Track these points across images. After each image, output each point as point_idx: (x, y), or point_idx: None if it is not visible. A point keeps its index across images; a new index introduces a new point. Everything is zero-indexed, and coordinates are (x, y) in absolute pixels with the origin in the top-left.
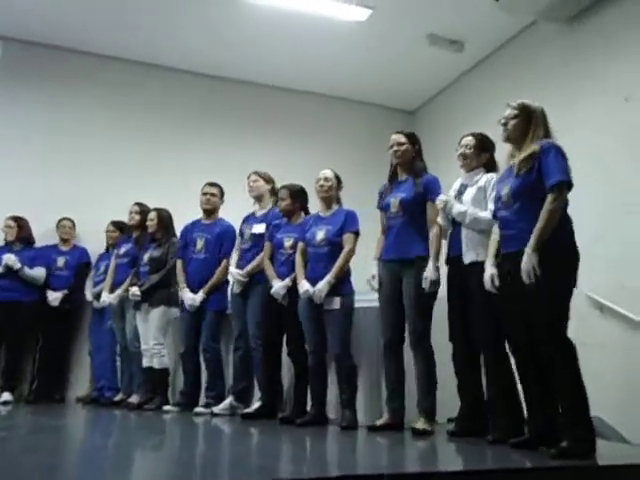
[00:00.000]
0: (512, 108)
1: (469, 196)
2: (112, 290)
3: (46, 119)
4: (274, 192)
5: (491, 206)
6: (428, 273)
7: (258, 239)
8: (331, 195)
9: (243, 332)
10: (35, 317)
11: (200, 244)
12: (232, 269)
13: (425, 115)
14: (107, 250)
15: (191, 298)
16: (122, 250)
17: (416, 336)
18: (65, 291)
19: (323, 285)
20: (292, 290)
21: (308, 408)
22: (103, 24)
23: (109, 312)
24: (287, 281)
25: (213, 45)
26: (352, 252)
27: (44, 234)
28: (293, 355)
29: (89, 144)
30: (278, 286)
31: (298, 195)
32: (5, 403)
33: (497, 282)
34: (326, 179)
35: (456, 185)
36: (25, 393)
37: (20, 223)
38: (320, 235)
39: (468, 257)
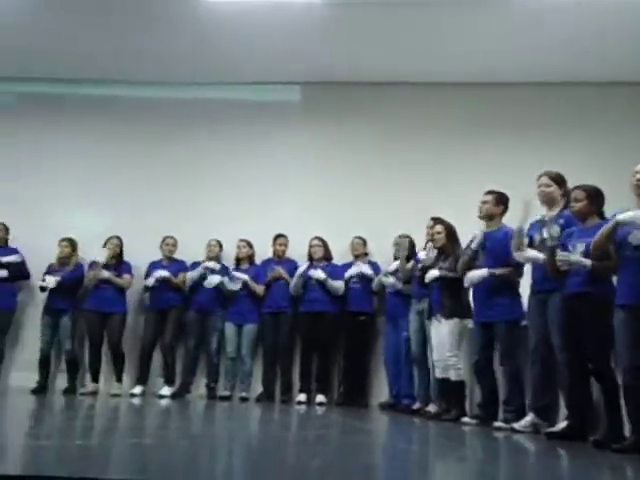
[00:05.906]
0: None
1: None
2: None
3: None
4: (565, 194)
5: None
6: None
7: None
8: None
9: (540, 343)
10: (337, 327)
11: (482, 253)
12: None
13: None
14: None
15: None
16: None
17: None
18: None
19: None
20: (596, 299)
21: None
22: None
23: (404, 322)
24: None
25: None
26: None
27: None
28: (595, 371)
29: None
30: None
31: (596, 196)
32: (320, 404)
33: None
34: None
35: None
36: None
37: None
38: None
39: None
